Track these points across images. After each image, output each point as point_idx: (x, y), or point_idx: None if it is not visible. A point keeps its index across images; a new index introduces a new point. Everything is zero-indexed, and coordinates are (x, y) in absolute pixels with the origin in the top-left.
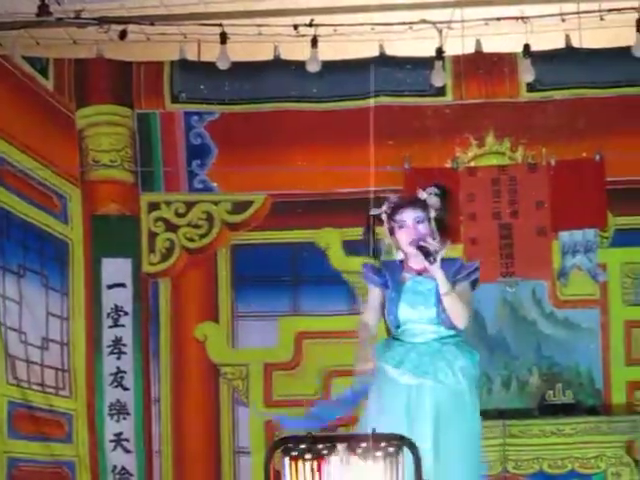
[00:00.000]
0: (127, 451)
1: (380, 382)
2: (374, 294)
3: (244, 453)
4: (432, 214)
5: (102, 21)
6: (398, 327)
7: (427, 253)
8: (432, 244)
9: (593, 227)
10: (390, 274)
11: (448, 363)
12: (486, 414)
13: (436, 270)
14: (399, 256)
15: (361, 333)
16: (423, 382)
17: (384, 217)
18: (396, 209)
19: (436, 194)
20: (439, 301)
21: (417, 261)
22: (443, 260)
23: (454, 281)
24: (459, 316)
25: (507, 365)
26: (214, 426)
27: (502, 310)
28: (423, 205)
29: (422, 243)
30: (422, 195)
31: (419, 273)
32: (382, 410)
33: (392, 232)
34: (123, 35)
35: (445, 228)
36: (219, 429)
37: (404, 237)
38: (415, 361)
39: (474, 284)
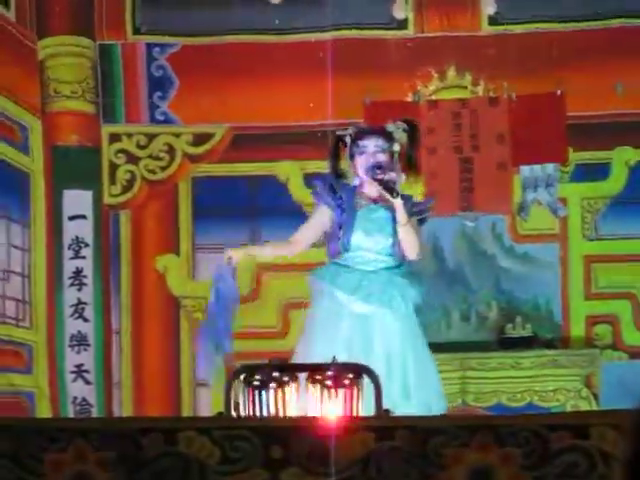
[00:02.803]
0: (87, 382)
1: (325, 308)
2: (322, 214)
3: (204, 385)
4: (396, 148)
5: None
6: (346, 252)
7: (388, 187)
8: (389, 175)
9: (554, 162)
10: (345, 198)
11: (400, 291)
12: (445, 347)
13: (398, 202)
14: (355, 182)
15: (281, 249)
16: (375, 310)
17: (347, 140)
18: (360, 135)
19: (404, 130)
20: (395, 232)
21: (372, 189)
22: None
23: None
24: (412, 247)
25: (466, 299)
26: (174, 358)
27: (461, 244)
28: (388, 136)
29: (379, 175)
30: (390, 127)
31: (374, 201)
32: (320, 337)
33: (352, 157)
34: None
35: (412, 165)
36: (179, 361)
37: (362, 162)
38: (367, 289)
39: (422, 222)
